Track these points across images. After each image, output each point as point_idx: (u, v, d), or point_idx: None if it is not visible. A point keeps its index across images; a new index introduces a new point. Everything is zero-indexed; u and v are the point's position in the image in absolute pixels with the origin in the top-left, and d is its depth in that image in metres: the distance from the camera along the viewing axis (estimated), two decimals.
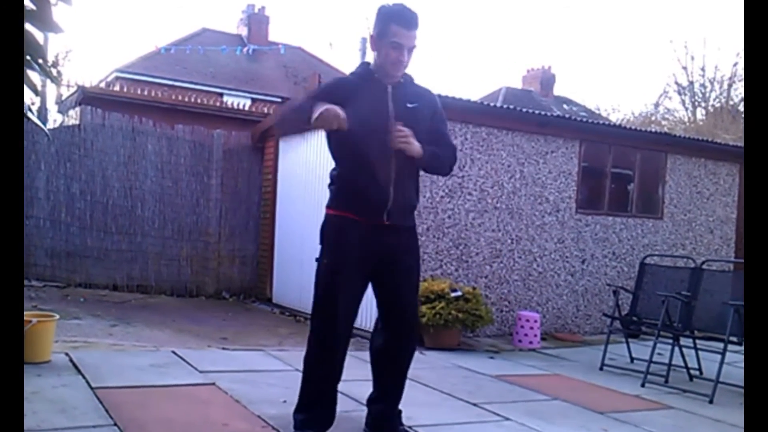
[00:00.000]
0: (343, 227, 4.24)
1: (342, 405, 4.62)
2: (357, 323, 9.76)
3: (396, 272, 4.34)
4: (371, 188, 4.15)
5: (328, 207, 4.35)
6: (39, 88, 7.16)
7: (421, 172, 4.45)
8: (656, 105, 36.02)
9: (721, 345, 7.03)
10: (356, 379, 5.12)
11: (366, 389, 4.71)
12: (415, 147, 4.12)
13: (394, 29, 4.09)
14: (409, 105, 4.21)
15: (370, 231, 4.19)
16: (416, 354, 8.26)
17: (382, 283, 4.41)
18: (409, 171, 4.26)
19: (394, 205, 4.18)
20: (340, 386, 4.45)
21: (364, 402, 4.77)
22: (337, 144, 4.30)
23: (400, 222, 4.27)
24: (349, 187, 4.24)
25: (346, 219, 4.23)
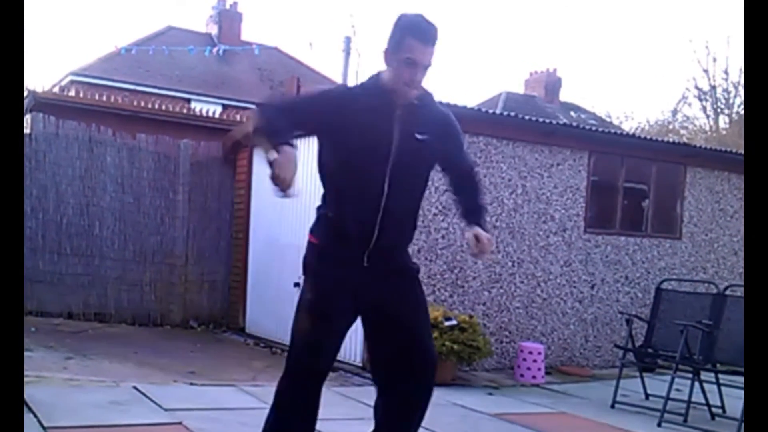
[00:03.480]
0: (325, 261, 4.10)
1: None
2: (341, 356, 9.76)
3: (388, 320, 4.19)
4: (353, 225, 4.02)
5: (311, 232, 4.20)
6: None
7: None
8: (674, 112, 36.32)
9: None
10: (339, 418, 5.13)
11: (349, 428, 4.72)
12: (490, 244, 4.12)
13: (410, 43, 3.94)
14: (418, 136, 4.03)
15: (352, 271, 4.05)
16: None
17: (376, 334, 4.28)
18: (406, 207, 4.13)
19: (376, 247, 4.03)
20: (322, 425, 4.46)
21: None
22: (327, 165, 4.15)
23: (384, 264, 4.10)
24: (331, 217, 4.10)
25: (327, 252, 4.10)
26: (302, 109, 4.08)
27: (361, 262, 4.05)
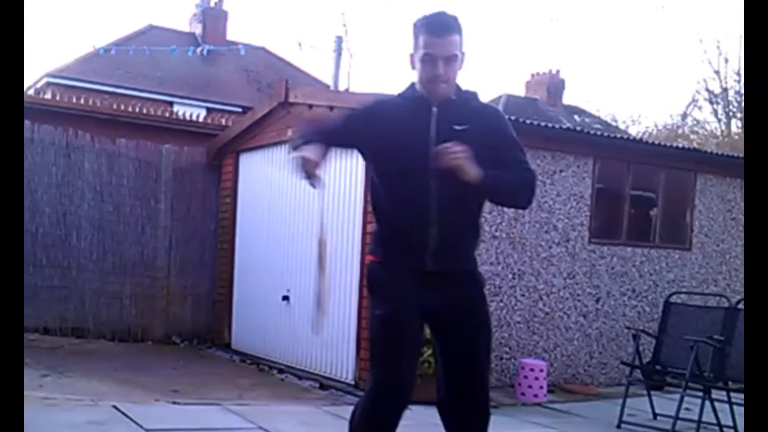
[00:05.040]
0: (385, 273, 4.17)
1: None
2: (332, 373, 9.76)
3: (455, 335, 4.25)
4: (406, 227, 4.08)
5: (369, 253, 4.32)
6: None
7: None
8: (684, 116, 36.35)
9: None
10: None
11: None
12: (471, 168, 3.89)
13: (423, 40, 4.04)
14: (456, 127, 4.04)
15: (416, 280, 4.09)
16: None
17: (442, 350, 4.38)
18: (462, 204, 4.10)
19: (439, 245, 4.06)
20: None
21: None
22: (374, 181, 4.23)
23: (450, 267, 4.13)
24: (384, 227, 4.20)
25: (386, 265, 4.17)
26: (340, 129, 4.24)
27: (421, 268, 4.08)
